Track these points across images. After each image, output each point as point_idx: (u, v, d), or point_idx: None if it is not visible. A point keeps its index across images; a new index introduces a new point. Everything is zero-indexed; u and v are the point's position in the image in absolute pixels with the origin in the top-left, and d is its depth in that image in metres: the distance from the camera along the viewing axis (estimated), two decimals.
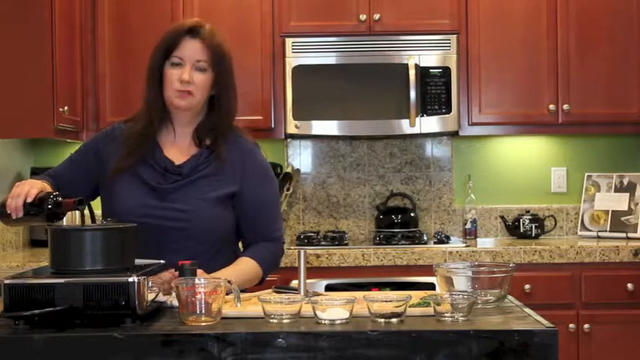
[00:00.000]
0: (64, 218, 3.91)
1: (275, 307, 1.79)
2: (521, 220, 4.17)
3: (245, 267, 2.31)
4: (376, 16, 3.98)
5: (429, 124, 3.94)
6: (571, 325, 3.66)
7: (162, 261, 2.03)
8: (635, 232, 4.02)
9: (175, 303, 1.85)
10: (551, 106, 4.01)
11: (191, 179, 2.29)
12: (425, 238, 3.98)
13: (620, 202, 4.15)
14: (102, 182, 2.34)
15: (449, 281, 2.01)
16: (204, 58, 2.29)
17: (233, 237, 2.40)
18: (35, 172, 4.10)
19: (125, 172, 2.28)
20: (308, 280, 2.06)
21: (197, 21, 2.35)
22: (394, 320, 1.77)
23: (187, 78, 2.26)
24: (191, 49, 2.29)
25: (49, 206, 1.98)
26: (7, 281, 1.76)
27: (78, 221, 3.99)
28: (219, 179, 2.31)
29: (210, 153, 2.33)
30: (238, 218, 2.35)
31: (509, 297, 2.06)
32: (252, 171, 2.35)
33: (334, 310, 1.77)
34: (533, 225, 4.15)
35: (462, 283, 1.99)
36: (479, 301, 1.93)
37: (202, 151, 2.33)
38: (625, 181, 4.18)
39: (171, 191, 2.27)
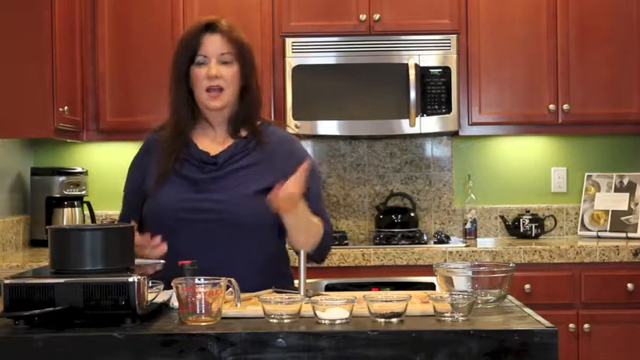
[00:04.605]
0: (64, 218, 3.95)
1: (275, 307, 1.79)
2: (521, 220, 4.17)
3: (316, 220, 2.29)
4: (376, 16, 3.98)
5: (429, 124, 3.94)
6: (571, 325, 3.66)
7: (161, 261, 2.02)
8: (635, 232, 4.02)
9: (176, 304, 1.85)
10: (551, 106, 4.01)
11: (229, 170, 2.25)
12: (425, 238, 3.98)
13: (620, 202, 4.15)
14: (148, 192, 2.30)
15: (449, 281, 2.00)
16: (228, 51, 2.27)
17: (275, 232, 2.29)
18: (35, 173, 4.09)
19: (167, 175, 2.25)
20: (308, 280, 2.06)
21: (213, 17, 2.33)
22: (394, 320, 1.76)
23: (215, 72, 2.25)
24: (213, 44, 2.27)
25: None
26: (7, 281, 1.76)
27: (78, 221, 4.01)
28: (259, 170, 2.27)
29: (247, 143, 2.31)
30: None
31: (509, 297, 2.06)
32: (296, 163, 2.23)
33: (334, 310, 1.77)
34: (533, 225, 4.15)
35: (462, 283, 1.99)
36: (479, 301, 1.93)
37: (238, 141, 2.31)
38: (625, 181, 4.18)
39: (210, 182, 2.24)
